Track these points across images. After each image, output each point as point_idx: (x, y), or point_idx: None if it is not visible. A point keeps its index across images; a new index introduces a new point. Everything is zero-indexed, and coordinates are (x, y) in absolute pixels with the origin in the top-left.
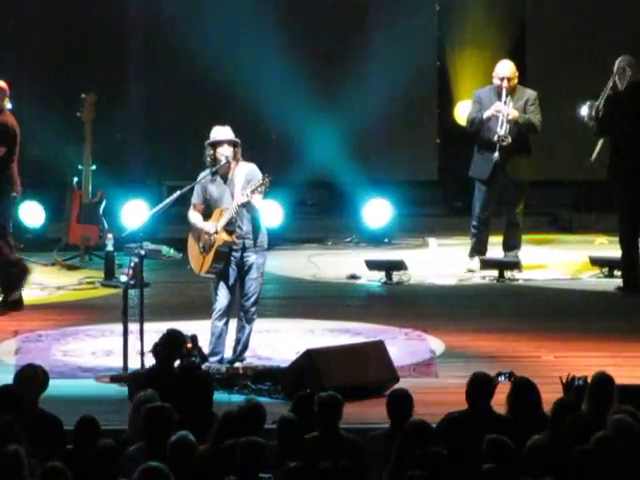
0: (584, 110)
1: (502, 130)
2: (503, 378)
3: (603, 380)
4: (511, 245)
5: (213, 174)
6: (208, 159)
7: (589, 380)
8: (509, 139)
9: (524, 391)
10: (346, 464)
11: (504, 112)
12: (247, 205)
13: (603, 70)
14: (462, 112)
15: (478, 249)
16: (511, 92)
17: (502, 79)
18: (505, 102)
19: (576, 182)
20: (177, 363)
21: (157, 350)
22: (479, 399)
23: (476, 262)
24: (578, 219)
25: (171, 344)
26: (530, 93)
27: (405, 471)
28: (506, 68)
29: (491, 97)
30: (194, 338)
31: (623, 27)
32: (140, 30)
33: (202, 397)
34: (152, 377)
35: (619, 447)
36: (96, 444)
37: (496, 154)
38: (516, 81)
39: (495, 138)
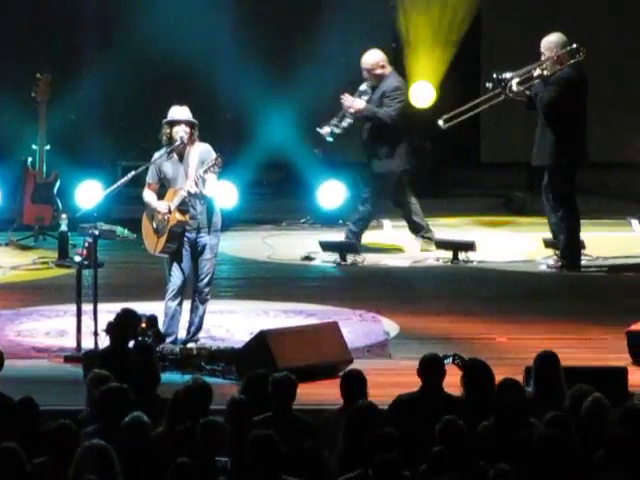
0: (506, 74)
1: (341, 123)
2: (450, 360)
3: (548, 359)
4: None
5: (168, 153)
6: (164, 138)
7: (532, 362)
8: (335, 131)
9: (477, 373)
10: (306, 446)
11: (346, 105)
12: (197, 195)
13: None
14: (416, 94)
15: (413, 229)
16: (377, 82)
17: (362, 70)
18: (362, 93)
19: (530, 164)
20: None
21: (111, 329)
22: (430, 380)
23: (420, 241)
24: (531, 201)
25: (125, 324)
26: (388, 84)
27: (355, 453)
28: (363, 59)
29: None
30: (152, 318)
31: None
32: (95, 9)
33: (149, 379)
34: (106, 357)
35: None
36: (37, 424)
37: None
38: (379, 71)
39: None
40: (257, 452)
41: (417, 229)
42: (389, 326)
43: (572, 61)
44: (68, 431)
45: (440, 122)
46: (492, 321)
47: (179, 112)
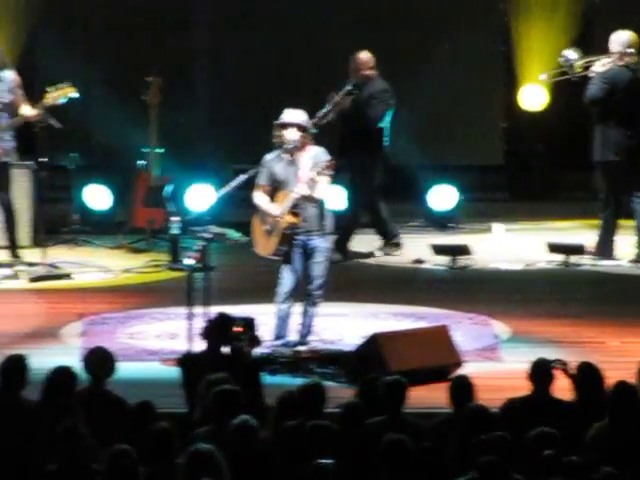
0: (572, 54)
1: (324, 118)
2: (553, 364)
3: None
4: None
5: (281, 156)
6: (276, 140)
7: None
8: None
9: (588, 376)
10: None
11: (333, 101)
12: (308, 198)
13: None
14: (527, 96)
15: (381, 232)
16: (361, 82)
17: (350, 68)
18: (349, 92)
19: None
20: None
21: (205, 333)
22: (540, 385)
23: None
24: None
25: (218, 328)
26: (376, 86)
27: (469, 456)
28: (355, 57)
29: None
30: (248, 322)
31: None
32: (207, 12)
33: (249, 382)
34: (200, 360)
35: None
36: (151, 427)
37: None
38: (368, 72)
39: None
40: (389, 456)
41: (385, 233)
42: (500, 329)
43: (625, 62)
44: (166, 434)
45: (543, 76)
46: (604, 325)
47: (291, 115)
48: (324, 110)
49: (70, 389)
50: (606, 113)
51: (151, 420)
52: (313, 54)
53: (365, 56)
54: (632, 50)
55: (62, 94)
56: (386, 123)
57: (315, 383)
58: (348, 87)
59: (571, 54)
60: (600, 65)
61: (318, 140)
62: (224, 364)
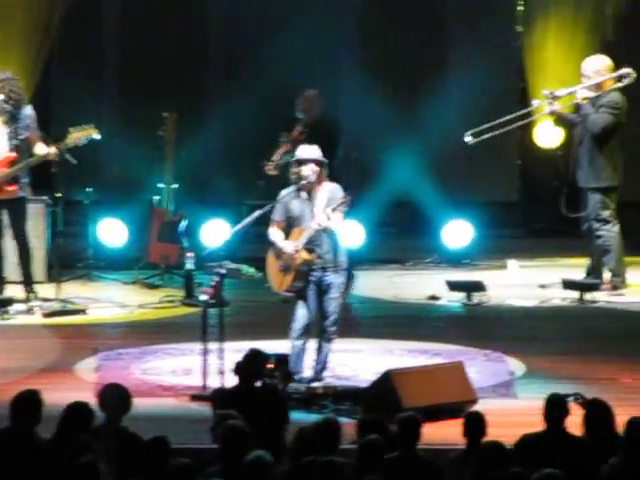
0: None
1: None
2: (572, 399)
3: None
4: None
5: (296, 192)
6: (293, 176)
7: None
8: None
9: (598, 412)
10: None
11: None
12: (326, 229)
13: None
14: (541, 134)
15: None
16: (308, 118)
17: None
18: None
19: None
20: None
21: (238, 370)
22: (554, 420)
23: None
24: None
25: (251, 364)
26: (328, 128)
27: None
28: (304, 94)
29: None
30: (281, 358)
31: None
32: (222, 50)
33: (277, 419)
34: (233, 396)
35: None
36: (167, 464)
37: None
38: (317, 109)
39: None
40: None
41: None
42: (515, 366)
43: (620, 85)
44: (187, 471)
45: (467, 137)
46: (618, 361)
47: (307, 151)
48: (280, 151)
49: (87, 425)
50: (614, 138)
51: (166, 456)
52: (327, 88)
53: (313, 94)
54: (628, 71)
55: (85, 135)
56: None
57: (329, 419)
58: (299, 127)
59: (557, 91)
60: (585, 93)
61: (277, 181)
62: (257, 400)
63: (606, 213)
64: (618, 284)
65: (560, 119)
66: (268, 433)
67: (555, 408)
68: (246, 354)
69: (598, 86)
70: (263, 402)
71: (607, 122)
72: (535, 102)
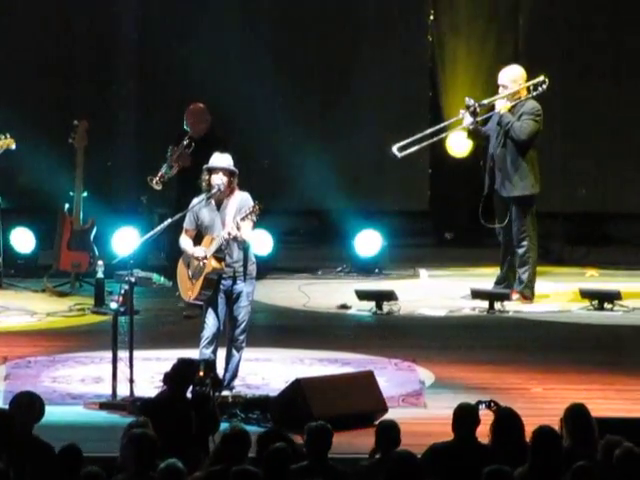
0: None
1: (169, 173)
2: (484, 406)
3: (577, 412)
4: None
5: (207, 200)
6: (203, 184)
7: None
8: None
9: (507, 421)
10: None
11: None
12: (235, 238)
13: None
14: (453, 143)
15: None
16: (196, 134)
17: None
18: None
19: (567, 215)
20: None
21: (167, 380)
22: (464, 429)
23: None
24: (569, 251)
25: (182, 372)
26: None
27: None
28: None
29: None
30: (209, 364)
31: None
32: (131, 56)
33: (207, 427)
34: (161, 405)
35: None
36: (79, 472)
37: None
38: (204, 124)
39: None
40: None
41: None
42: (425, 375)
43: (535, 93)
44: (97, 478)
45: (394, 150)
46: (527, 371)
47: (219, 160)
48: (165, 165)
49: (3, 432)
50: (534, 146)
51: (78, 464)
52: (239, 99)
53: (199, 109)
54: (527, 82)
55: (1, 146)
56: None
57: (236, 428)
58: (185, 141)
59: (471, 101)
60: (503, 102)
61: (160, 195)
62: (189, 409)
63: (528, 223)
64: (528, 294)
65: (475, 133)
66: (196, 441)
67: (463, 417)
68: (176, 363)
69: (514, 95)
70: (196, 411)
71: (532, 129)
72: (462, 112)
